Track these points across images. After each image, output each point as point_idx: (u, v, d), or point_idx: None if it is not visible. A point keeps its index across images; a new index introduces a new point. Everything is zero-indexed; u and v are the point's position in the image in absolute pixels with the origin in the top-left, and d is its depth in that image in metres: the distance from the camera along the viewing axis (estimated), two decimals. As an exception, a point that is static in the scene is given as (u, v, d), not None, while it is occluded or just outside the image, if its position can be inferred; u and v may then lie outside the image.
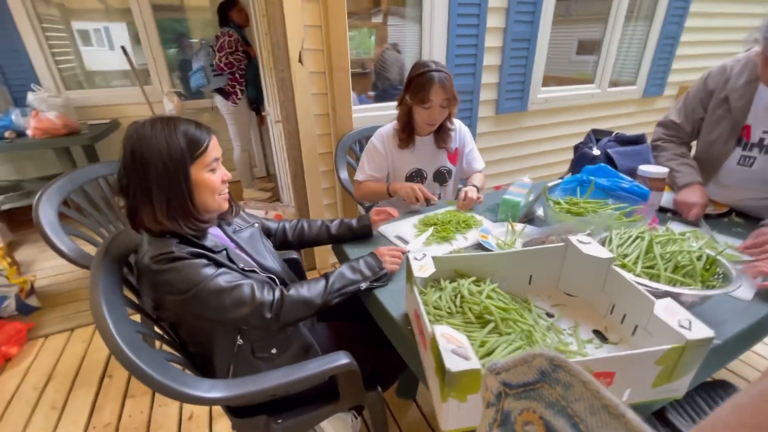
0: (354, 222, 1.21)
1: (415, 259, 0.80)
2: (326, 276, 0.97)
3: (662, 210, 1.38)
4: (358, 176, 1.58)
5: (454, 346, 0.57)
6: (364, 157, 1.58)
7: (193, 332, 0.92)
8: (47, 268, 2.50)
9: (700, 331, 0.59)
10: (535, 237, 1.00)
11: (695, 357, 0.60)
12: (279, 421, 0.98)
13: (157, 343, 0.92)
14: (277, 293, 0.89)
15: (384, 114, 2.21)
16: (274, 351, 0.97)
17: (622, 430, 0.23)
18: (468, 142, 1.63)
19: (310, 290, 0.92)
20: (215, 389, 0.76)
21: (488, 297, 0.74)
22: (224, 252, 0.90)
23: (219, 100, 3.15)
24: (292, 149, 2.11)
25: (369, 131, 1.82)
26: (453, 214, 1.30)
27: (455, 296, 0.74)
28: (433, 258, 0.82)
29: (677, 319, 0.61)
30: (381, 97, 2.97)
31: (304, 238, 1.22)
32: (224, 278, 0.82)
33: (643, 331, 0.70)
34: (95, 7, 3.41)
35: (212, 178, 0.86)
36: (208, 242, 0.89)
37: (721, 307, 0.89)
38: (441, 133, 1.53)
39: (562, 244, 0.87)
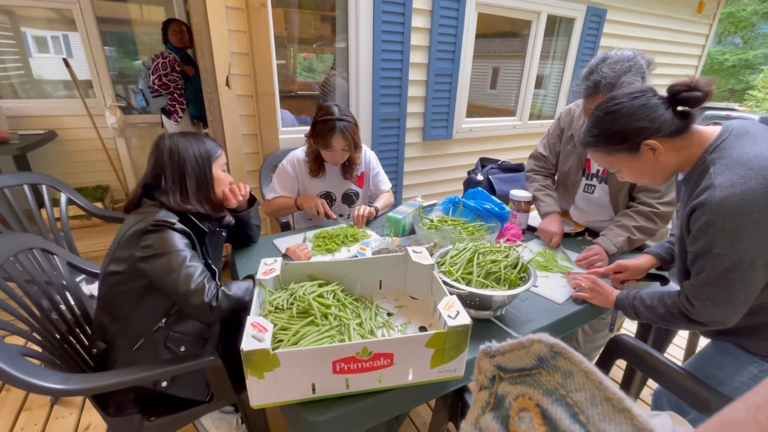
0: None
1: (265, 263, 0.92)
2: (251, 276, 1.08)
3: (531, 229, 1.59)
4: (269, 195, 1.69)
5: (256, 331, 0.69)
6: (275, 178, 1.70)
7: (124, 297, 1.00)
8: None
9: (461, 319, 0.74)
10: (384, 247, 1.15)
11: (459, 341, 0.75)
12: (152, 418, 1.05)
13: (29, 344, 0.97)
14: (214, 286, 0.99)
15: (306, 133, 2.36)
16: (182, 349, 1.05)
17: (626, 424, 0.22)
18: (374, 166, 1.79)
19: (239, 287, 1.03)
20: (69, 382, 0.83)
21: (321, 296, 0.87)
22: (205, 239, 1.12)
23: (165, 120, 3.22)
24: (220, 166, 2.21)
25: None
26: (344, 229, 1.44)
27: (290, 295, 0.86)
28: (285, 263, 0.95)
29: (450, 312, 0.76)
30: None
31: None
32: (189, 255, 0.97)
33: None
34: (42, 16, 3.42)
35: (225, 176, 1.15)
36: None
37: (537, 306, 1.07)
38: (348, 167, 1.68)
39: (402, 252, 1.02)
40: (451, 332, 0.73)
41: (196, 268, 0.97)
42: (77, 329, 1.13)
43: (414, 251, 1.00)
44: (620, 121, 0.85)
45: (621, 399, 0.22)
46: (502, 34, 3.90)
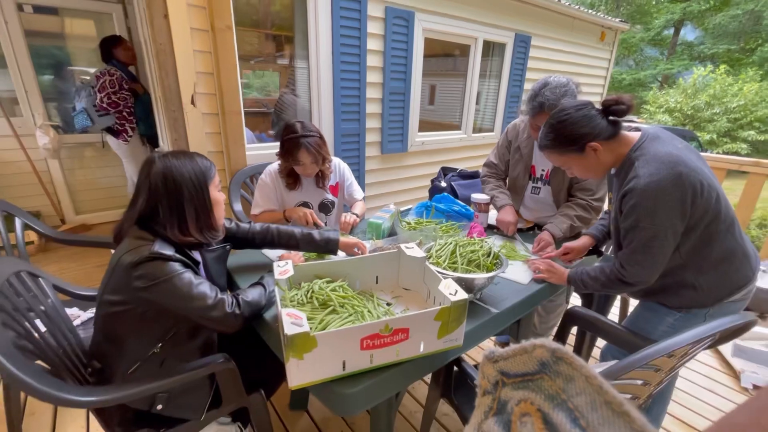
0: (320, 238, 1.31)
1: (278, 266, 1.02)
2: (260, 283, 1.11)
3: (490, 227, 1.82)
4: (254, 210, 1.75)
5: (293, 319, 0.79)
6: (257, 193, 1.76)
7: (121, 321, 0.98)
8: None
9: (460, 296, 0.90)
10: (379, 246, 1.29)
11: (460, 313, 0.91)
12: (162, 430, 1.06)
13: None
14: (231, 296, 1.01)
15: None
16: None
17: (625, 428, 0.22)
18: (347, 176, 1.93)
19: (253, 293, 1.05)
20: (93, 394, 0.85)
21: (333, 290, 0.99)
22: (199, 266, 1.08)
23: (110, 139, 3.05)
24: (185, 184, 2.19)
25: (262, 167, 2.02)
26: (330, 236, 1.55)
27: (307, 291, 0.96)
28: (296, 265, 1.04)
29: (450, 290, 0.92)
30: (279, 135, 3.18)
31: (271, 242, 1.33)
32: (192, 274, 0.97)
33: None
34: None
35: (221, 196, 1.08)
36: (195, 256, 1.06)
37: (507, 288, 1.27)
38: (320, 177, 1.79)
39: (395, 250, 1.17)
40: (454, 306, 0.89)
41: (205, 284, 0.98)
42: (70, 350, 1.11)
43: (407, 247, 1.15)
44: (569, 128, 1.09)
45: (620, 403, 0.22)
46: (446, 55, 4.28)
